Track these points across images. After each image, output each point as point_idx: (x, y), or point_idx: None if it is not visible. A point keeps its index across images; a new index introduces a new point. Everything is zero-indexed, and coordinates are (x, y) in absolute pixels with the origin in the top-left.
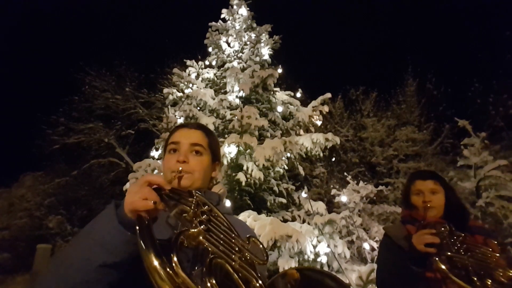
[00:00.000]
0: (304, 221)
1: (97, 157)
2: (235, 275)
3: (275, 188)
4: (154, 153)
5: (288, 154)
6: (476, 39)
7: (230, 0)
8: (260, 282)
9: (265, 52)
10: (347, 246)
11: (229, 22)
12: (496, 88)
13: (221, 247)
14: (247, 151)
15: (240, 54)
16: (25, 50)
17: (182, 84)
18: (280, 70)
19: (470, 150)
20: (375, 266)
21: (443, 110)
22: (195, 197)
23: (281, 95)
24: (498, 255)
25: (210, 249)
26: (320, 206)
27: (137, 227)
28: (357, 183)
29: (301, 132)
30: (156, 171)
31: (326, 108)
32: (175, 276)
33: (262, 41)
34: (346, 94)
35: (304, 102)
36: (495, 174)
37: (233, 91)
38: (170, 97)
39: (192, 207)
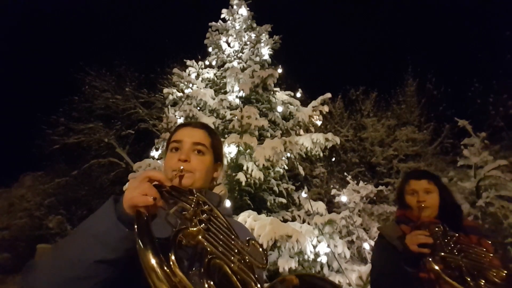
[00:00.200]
0: (304, 221)
1: (97, 157)
2: (234, 277)
3: (275, 188)
4: (154, 153)
5: (288, 154)
6: (476, 39)
7: (230, 0)
8: (258, 285)
9: (265, 52)
10: (347, 246)
11: (229, 22)
12: (496, 88)
13: (220, 248)
14: (247, 151)
15: (240, 54)
16: (25, 50)
17: (182, 84)
18: (280, 70)
19: (470, 150)
20: None
21: (443, 110)
22: (195, 196)
23: (281, 95)
24: (492, 255)
25: (209, 249)
26: (320, 206)
27: (136, 224)
28: (357, 183)
29: (301, 132)
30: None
31: (326, 108)
32: (172, 275)
33: (262, 41)
34: (346, 94)
35: (304, 102)
36: (495, 174)
37: (233, 91)
38: (170, 97)
39: (193, 206)
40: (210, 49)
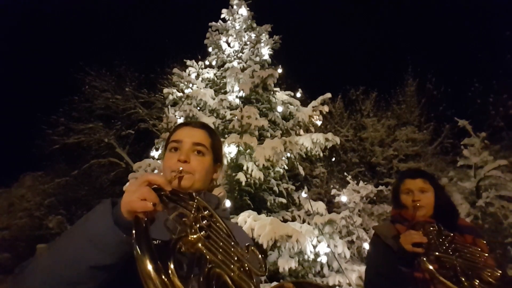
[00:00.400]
0: (304, 221)
1: (97, 157)
2: (233, 287)
3: (275, 188)
4: (154, 153)
5: (288, 154)
6: (476, 39)
7: (230, 0)
8: None
9: (265, 52)
10: (347, 246)
11: (229, 22)
12: (496, 88)
13: (220, 256)
14: (247, 151)
15: (240, 54)
16: (25, 50)
17: (182, 84)
18: (280, 70)
19: (470, 150)
20: None
21: (443, 110)
22: (196, 201)
23: (281, 95)
24: (486, 255)
25: (208, 257)
26: (320, 206)
27: (134, 230)
28: (357, 183)
29: (301, 132)
30: (156, 171)
31: (326, 108)
32: (170, 284)
33: (262, 41)
34: (346, 94)
35: (304, 102)
36: (495, 174)
37: (233, 91)
38: (170, 97)
39: (193, 212)
40: (210, 49)
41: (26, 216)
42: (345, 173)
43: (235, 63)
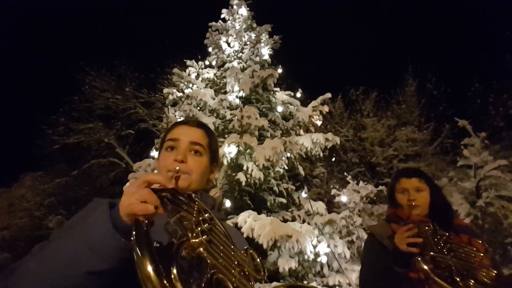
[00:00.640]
0: (304, 221)
1: (97, 157)
2: None
3: (275, 188)
4: (154, 153)
5: (288, 154)
6: (476, 39)
7: (230, 0)
8: None
9: (265, 52)
10: (347, 246)
11: (229, 22)
12: (496, 88)
13: (221, 260)
14: (247, 151)
15: (240, 54)
16: (25, 50)
17: (182, 84)
18: (280, 70)
19: (470, 150)
20: None
21: (443, 110)
22: (197, 203)
23: (281, 95)
24: (482, 254)
25: (209, 261)
26: (320, 206)
27: (134, 233)
28: (357, 183)
29: (301, 132)
30: (156, 171)
31: (326, 108)
32: None
33: (262, 41)
34: (346, 94)
35: (304, 102)
36: (495, 174)
37: (233, 91)
38: (170, 97)
39: (195, 214)
40: (210, 49)
41: (26, 216)
42: (345, 173)
43: (235, 63)
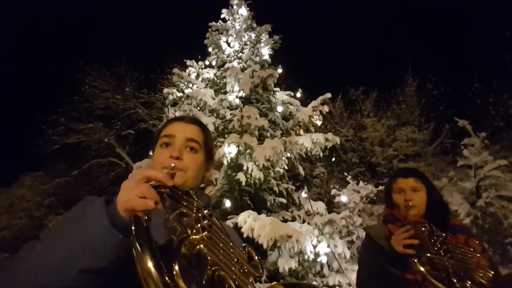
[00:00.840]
0: (304, 221)
1: (97, 157)
2: None
3: (275, 188)
4: None
5: (288, 154)
6: (476, 39)
7: (230, 0)
8: None
9: (265, 52)
10: (347, 246)
11: (229, 22)
12: (496, 88)
13: (221, 257)
14: (247, 151)
15: (240, 54)
16: (25, 50)
17: (182, 84)
18: (280, 70)
19: (470, 150)
20: None
21: (443, 110)
22: (196, 200)
23: (281, 95)
24: (479, 255)
25: (209, 258)
26: (320, 206)
27: (134, 229)
28: (357, 183)
29: (301, 132)
30: None
31: (326, 108)
32: (174, 286)
33: (262, 41)
34: (346, 94)
35: (304, 102)
36: (495, 174)
37: (233, 91)
38: (170, 97)
39: (195, 211)
40: (210, 49)
41: (26, 216)
42: (345, 173)
43: (235, 63)
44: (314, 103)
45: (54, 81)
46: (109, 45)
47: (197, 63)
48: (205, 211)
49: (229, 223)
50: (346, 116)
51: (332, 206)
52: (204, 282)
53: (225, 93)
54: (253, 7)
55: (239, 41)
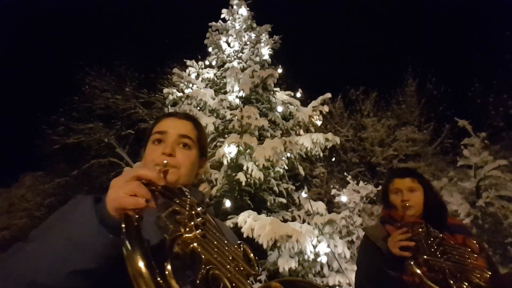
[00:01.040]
0: (304, 221)
1: (97, 157)
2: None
3: (275, 188)
4: None
5: (288, 154)
6: (476, 39)
7: (230, 0)
8: None
9: (265, 52)
10: (347, 246)
11: (229, 22)
12: (496, 88)
13: (216, 255)
14: (247, 151)
15: (240, 54)
16: (25, 50)
17: (182, 84)
18: (280, 70)
19: (470, 150)
20: None
21: (443, 110)
22: (189, 197)
23: (281, 95)
24: (476, 255)
25: (203, 256)
26: (320, 206)
27: (124, 228)
28: (357, 183)
29: (301, 132)
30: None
31: (326, 108)
32: (166, 286)
33: (262, 41)
34: (346, 94)
35: (304, 102)
36: (495, 174)
37: (233, 91)
38: (170, 97)
39: (188, 208)
40: (210, 49)
41: (26, 216)
42: (345, 173)
43: (235, 63)
44: (314, 103)
45: (54, 81)
46: (109, 45)
47: (197, 63)
48: (199, 209)
49: (229, 223)
50: (346, 116)
51: (332, 206)
52: (198, 282)
53: (225, 93)
54: (253, 7)
55: (239, 41)
